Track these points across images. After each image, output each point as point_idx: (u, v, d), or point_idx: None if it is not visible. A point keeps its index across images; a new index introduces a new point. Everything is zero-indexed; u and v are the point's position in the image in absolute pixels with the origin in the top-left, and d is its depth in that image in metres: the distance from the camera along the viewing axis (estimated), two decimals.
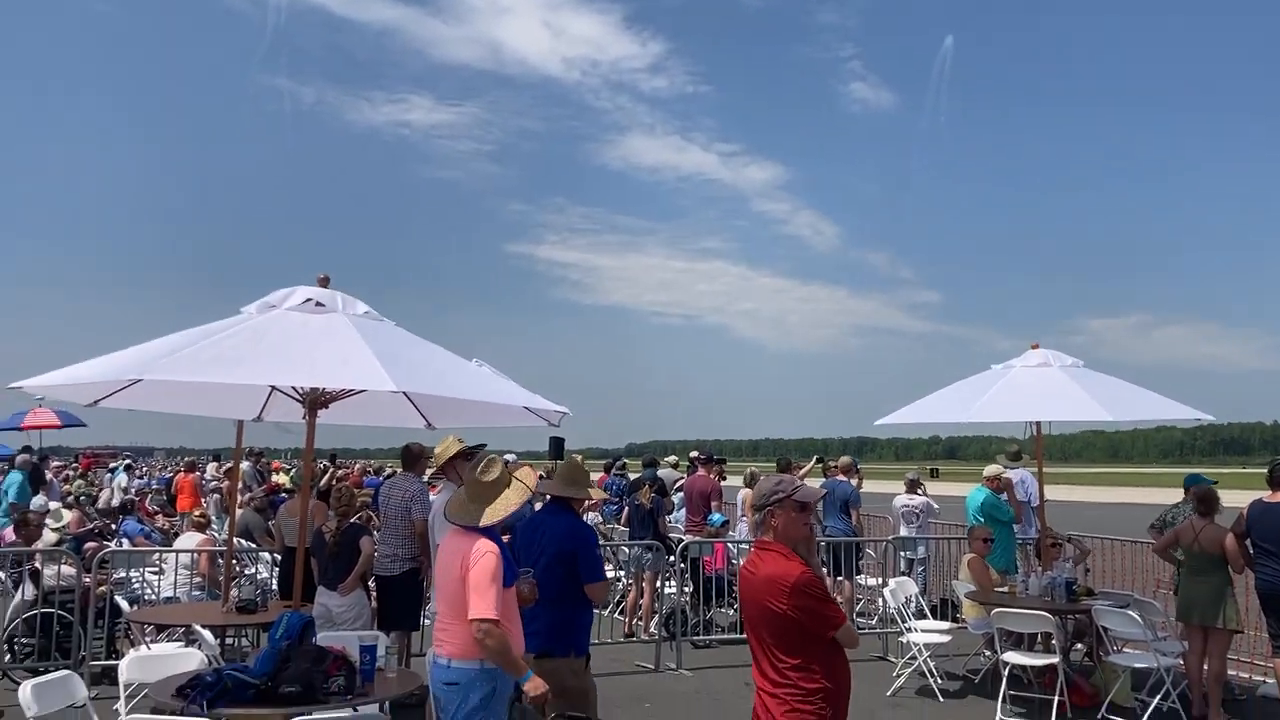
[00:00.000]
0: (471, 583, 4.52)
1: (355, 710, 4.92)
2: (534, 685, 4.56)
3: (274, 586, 9.01)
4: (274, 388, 6.79)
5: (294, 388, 6.32)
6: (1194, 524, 8.37)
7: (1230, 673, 8.85)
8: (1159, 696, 8.04)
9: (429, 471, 9.21)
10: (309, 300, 5.95)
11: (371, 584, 8.69)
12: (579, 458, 7.50)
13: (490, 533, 4.71)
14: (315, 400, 6.20)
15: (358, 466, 21.83)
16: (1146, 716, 7.91)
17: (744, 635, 4.21)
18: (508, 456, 9.98)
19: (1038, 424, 9.44)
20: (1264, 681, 9.27)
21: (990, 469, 11.35)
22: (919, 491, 13.32)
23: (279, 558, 9.50)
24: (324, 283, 6.17)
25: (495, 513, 4.73)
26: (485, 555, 4.57)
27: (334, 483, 11.19)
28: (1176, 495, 9.92)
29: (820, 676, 3.89)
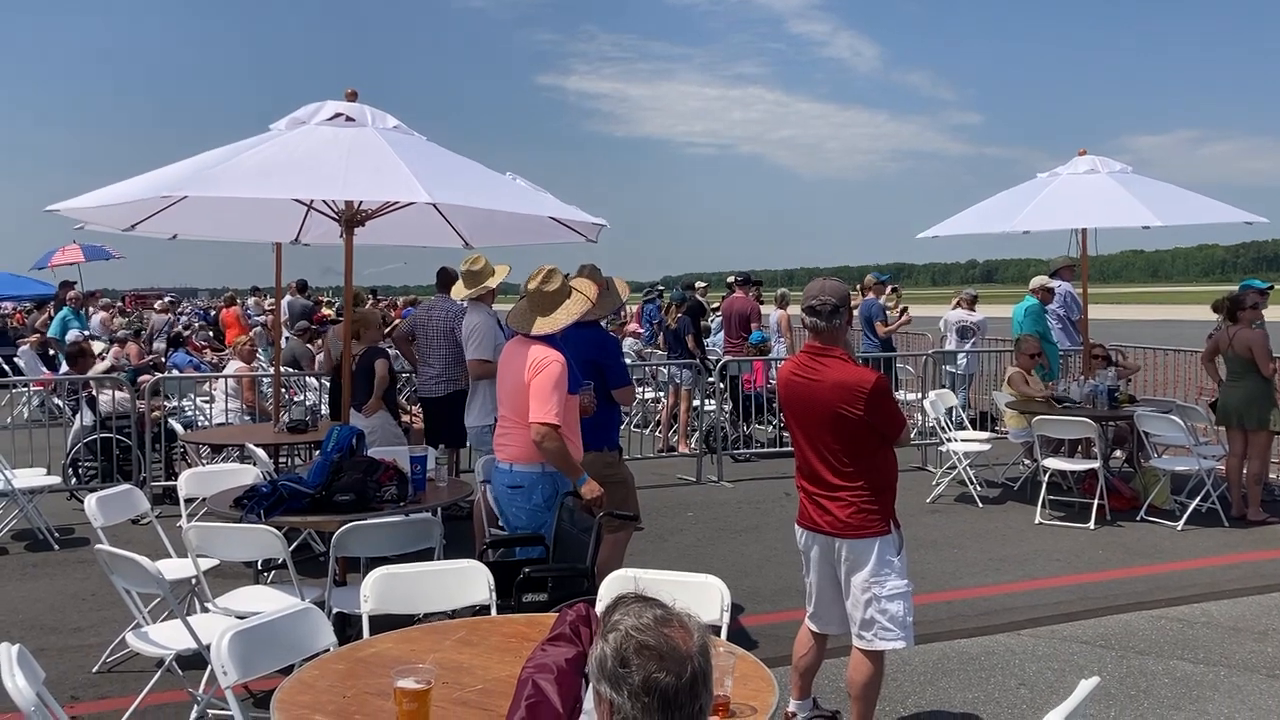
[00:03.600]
0: (534, 388, 4.65)
1: (408, 516, 5.05)
2: (590, 489, 4.74)
3: (324, 411, 9.17)
4: (310, 207, 6.73)
5: (329, 205, 6.26)
6: (1228, 330, 8.34)
7: (1271, 476, 8.92)
8: (1198, 498, 8.12)
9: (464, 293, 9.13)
10: (338, 115, 5.83)
11: (417, 407, 8.83)
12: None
13: (553, 341, 4.83)
14: (351, 218, 6.14)
15: (401, 300, 22.01)
16: (1185, 517, 8.00)
17: (784, 449, 4.28)
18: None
19: (1083, 232, 9.22)
20: None
21: (1037, 280, 11.25)
22: (975, 308, 13.31)
23: (327, 383, 9.64)
24: (352, 97, 6.04)
25: (556, 321, 4.86)
26: (551, 363, 4.69)
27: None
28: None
29: (881, 475, 4.06)
